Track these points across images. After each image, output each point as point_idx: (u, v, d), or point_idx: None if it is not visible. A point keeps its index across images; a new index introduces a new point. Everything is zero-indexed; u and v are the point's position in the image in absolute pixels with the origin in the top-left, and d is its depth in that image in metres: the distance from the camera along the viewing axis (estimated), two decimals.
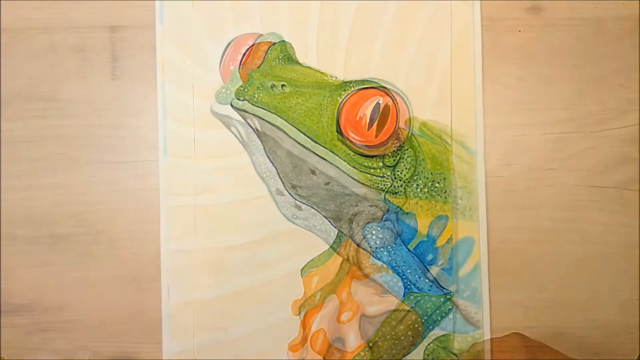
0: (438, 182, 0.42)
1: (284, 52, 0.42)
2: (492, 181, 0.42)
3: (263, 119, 0.41)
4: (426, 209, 0.42)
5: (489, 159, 0.42)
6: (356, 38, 0.42)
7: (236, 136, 0.42)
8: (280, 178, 0.42)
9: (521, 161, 0.42)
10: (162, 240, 0.42)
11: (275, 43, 0.42)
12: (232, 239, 0.42)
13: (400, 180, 0.41)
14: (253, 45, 0.42)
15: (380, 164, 0.41)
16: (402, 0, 0.42)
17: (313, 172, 0.41)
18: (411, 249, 0.41)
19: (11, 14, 0.43)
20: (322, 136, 0.40)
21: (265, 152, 0.42)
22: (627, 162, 0.42)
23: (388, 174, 0.41)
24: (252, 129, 0.41)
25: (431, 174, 0.42)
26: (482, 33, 0.42)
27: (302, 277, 0.42)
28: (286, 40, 0.42)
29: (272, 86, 0.41)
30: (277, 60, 0.42)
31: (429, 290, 0.42)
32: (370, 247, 0.42)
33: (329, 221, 0.42)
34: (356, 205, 0.41)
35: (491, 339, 0.40)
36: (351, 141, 0.40)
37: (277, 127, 0.40)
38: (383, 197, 0.41)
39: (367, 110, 0.40)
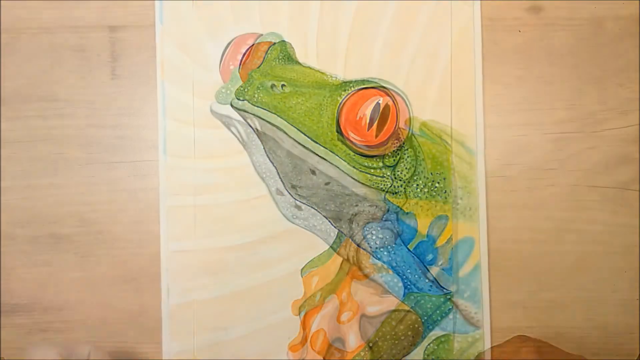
0: (438, 182, 0.42)
1: (284, 52, 0.42)
2: (492, 181, 0.42)
3: (263, 119, 0.41)
4: (426, 209, 0.41)
5: (489, 159, 0.42)
6: (356, 38, 0.42)
7: (236, 136, 0.42)
8: (280, 178, 0.42)
9: (521, 161, 0.42)
10: (162, 240, 0.42)
11: (275, 43, 0.42)
12: (232, 239, 0.42)
13: (400, 180, 0.41)
14: (253, 45, 0.42)
15: (380, 164, 0.41)
16: (402, 0, 0.42)
17: (313, 172, 0.41)
18: (411, 249, 0.41)
19: (11, 14, 0.43)
20: (322, 136, 0.40)
21: (265, 152, 0.42)
22: (627, 162, 0.42)
23: (388, 174, 0.41)
24: (252, 129, 0.41)
25: (431, 174, 0.42)
26: (482, 33, 0.42)
27: (302, 277, 0.42)
28: (286, 40, 0.42)
29: (272, 86, 0.41)
30: (277, 60, 0.42)
31: (429, 290, 0.42)
32: (370, 247, 0.42)
33: (329, 221, 0.42)
34: (356, 205, 0.41)
35: (492, 347, 0.40)
36: (351, 141, 0.40)
37: (277, 127, 0.40)
38: (383, 197, 0.41)
39: (367, 110, 0.40)
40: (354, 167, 0.41)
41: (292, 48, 0.42)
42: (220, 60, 0.42)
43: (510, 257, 0.42)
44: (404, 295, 0.42)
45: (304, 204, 0.42)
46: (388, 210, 0.41)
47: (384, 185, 0.41)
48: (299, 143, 0.40)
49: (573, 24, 0.43)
